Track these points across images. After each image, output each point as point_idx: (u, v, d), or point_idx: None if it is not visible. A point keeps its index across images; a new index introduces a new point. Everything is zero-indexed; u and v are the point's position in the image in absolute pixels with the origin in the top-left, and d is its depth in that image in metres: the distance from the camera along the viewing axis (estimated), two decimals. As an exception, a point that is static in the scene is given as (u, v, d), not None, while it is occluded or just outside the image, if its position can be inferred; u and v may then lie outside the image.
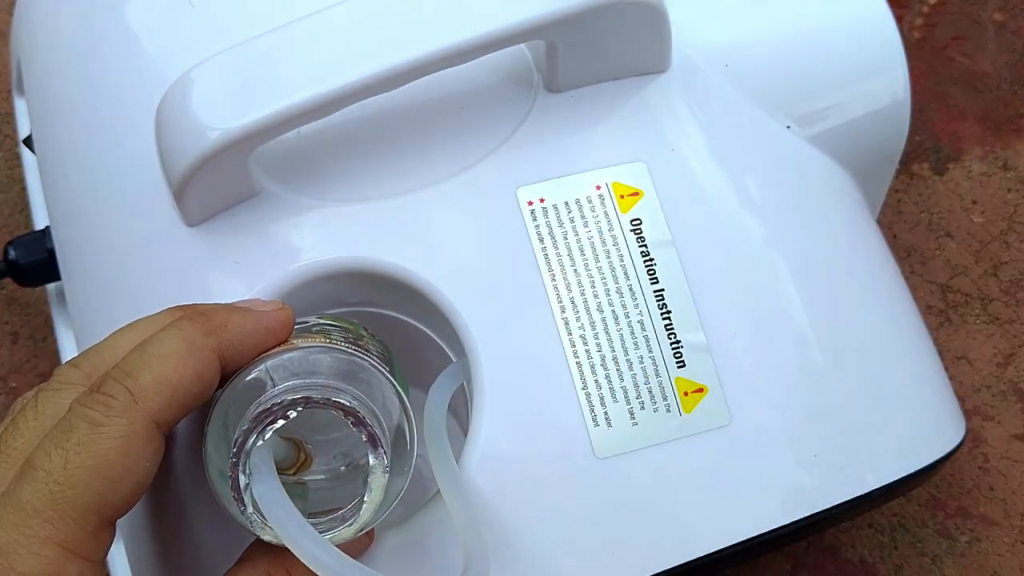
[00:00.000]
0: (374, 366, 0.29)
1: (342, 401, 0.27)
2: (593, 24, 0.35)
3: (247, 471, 0.26)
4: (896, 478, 0.38)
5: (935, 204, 0.59)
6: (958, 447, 0.41)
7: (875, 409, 0.38)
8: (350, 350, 0.29)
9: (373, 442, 0.27)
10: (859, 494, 0.37)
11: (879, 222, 0.59)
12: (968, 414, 0.54)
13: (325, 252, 0.35)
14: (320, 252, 0.35)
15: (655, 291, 0.36)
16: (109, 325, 0.31)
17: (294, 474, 0.29)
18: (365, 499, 0.27)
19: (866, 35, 0.42)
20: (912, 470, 0.38)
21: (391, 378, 0.29)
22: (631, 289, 0.35)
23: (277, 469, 0.27)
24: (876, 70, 0.43)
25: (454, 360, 0.35)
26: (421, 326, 0.37)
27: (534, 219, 0.36)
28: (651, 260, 0.36)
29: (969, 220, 0.59)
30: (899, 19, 0.66)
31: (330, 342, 0.29)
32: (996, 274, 0.57)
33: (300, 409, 0.26)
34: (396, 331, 0.36)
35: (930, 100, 0.63)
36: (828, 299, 0.39)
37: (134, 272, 0.37)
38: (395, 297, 0.36)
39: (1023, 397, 0.54)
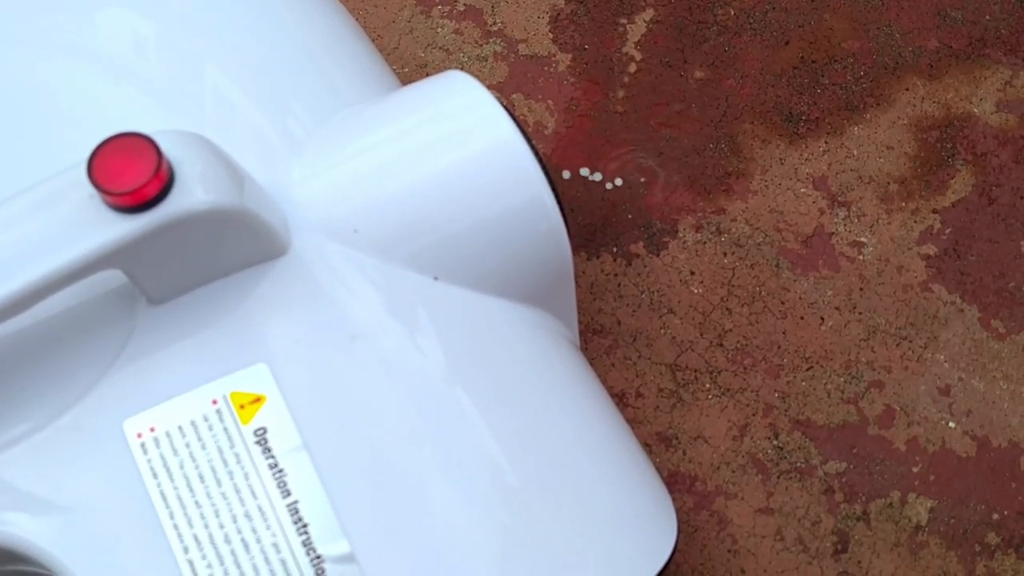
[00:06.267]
0: None
1: None
2: (157, 246, 0.33)
3: None
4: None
5: (655, 282, 0.59)
6: (673, 553, 0.41)
7: (574, 554, 0.37)
8: None
9: None
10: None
11: (601, 309, 0.58)
12: (711, 495, 0.53)
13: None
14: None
15: (288, 505, 0.33)
16: None
17: None
18: None
19: (499, 169, 0.41)
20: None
21: None
22: (260, 510, 0.33)
23: None
24: (519, 204, 0.41)
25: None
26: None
27: (145, 453, 0.33)
28: (281, 471, 0.34)
29: (690, 292, 0.59)
30: (603, 96, 0.65)
31: None
32: (722, 344, 0.57)
33: None
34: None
35: (638, 176, 0.63)
36: (511, 456, 0.37)
37: None
38: (10, 567, 0.33)
39: (762, 468, 0.54)
